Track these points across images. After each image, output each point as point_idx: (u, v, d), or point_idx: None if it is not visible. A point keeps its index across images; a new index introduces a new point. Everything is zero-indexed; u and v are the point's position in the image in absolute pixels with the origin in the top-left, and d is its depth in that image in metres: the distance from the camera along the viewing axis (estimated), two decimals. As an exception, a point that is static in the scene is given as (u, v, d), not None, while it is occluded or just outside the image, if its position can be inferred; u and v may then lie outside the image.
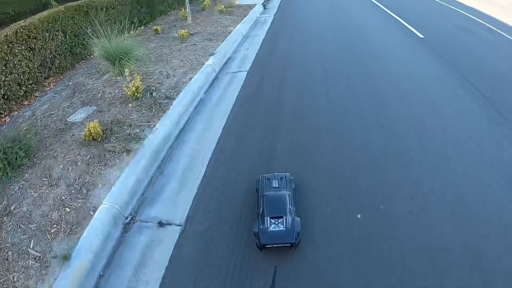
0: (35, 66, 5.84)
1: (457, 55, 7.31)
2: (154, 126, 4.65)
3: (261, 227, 2.72)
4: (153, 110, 5.14)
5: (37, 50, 5.84)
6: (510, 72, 6.38)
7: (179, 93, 5.45)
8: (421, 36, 8.71)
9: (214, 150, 4.21)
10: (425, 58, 7.21)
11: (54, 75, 6.42)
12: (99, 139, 4.26)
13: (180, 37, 8.02)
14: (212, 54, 6.85)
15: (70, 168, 3.84)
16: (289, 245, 2.67)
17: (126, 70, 5.55)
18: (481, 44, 8.36)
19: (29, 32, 5.62)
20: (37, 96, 5.85)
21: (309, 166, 3.77)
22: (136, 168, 3.78)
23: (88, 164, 3.89)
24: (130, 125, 4.73)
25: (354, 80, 5.93)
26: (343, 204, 3.23)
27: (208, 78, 6.00)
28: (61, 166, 3.88)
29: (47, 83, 6.22)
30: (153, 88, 5.72)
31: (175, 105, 5.10)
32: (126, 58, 6.11)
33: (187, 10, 9.54)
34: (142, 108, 5.18)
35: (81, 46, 7.05)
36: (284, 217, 2.72)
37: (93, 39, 5.98)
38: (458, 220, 3.02)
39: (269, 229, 2.69)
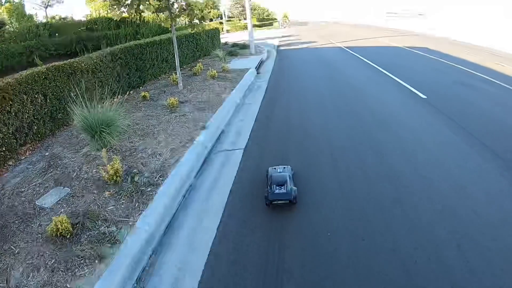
0: (10, 131, 5.24)
1: (465, 115, 6.88)
2: (134, 224, 3.80)
3: (269, 190, 3.89)
4: (134, 200, 4.31)
5: (13, 113, 5.27)
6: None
7: (165, 178, 4.67)
8: (423, 96, 8.31)
9: (207, 260, 3.32)
10: (433, 122, 6.67)
11: (31, 142, 5.77)
12: (68, 236, 3.45)
13: (169, 105, 7.48)
14: (204, 127, 6.22)
15: (31, 275, 3.02)
16: (288, 201, 3.86)
17: (103, 151, 4.82)
18: (485, 99, 8.09)
19: (5, 93, 5.07)
20: (10, 165, 5.18)
21: (329, 281, 2.87)
22: (109, 283, 2.89)
23: (52, 271, 3.04)
24: (106, 220, 3.88)
25: (364, 157, 5.23)
26: None
27: (199, 158, 5.26)
28: (21, 270, 3.07)
29: (22, 150, 5.56)
30: (135, 171, 4.95)
31: (160, 195, 4.29)
32: (107, 132, 5.45)
33: (178, 75, 9.17)
34: (122, 197, 4.36)
35: (62, 111, 6.46)
36: (285, 185, 3.88)
37: (74, 105, 5.41)
38: None
39: (275, 191, 3.85)
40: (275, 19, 75.02)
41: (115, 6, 7.75)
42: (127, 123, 6.31)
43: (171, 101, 7.51)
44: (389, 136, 6.03)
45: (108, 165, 4.49)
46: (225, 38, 32.98)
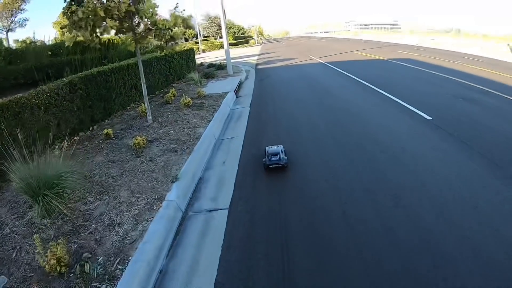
0: None
1: (479, 137, 6.03)
2: None
3: (267, 159, 5.13)
4: (81, 308, 2.98)
5: None
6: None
7: (125, 265, 3.34)
8: (428, 117, 7.34)
9: None
10: (446, 148, 5.68)
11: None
12: None
13: (135, 146, 6.17)
14: (176, 178, 4.90)
15: None
16: (281, 166, 5.08)
17: (35, 237, 3.43)
18: (492, 115, 7.38)
19: None
20: None
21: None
22: None
23: None
24: None
25: (376, 197, 4.12)
26: None
27: (170, 228, 3.92)
28: None
29: None
30: (86, 254, 3.59)
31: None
32: (52, 194, 4.12)
33: (146, 106, 7.86)
34: (66, 299, 3.03)
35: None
36: (278, 155, 5.12)
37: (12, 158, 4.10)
38: None
39: (271, 159, 5.08)
40: (251, 36, 75.25)
41: (65, 29, 6.45)
42: (82, 175, 5.04)
43: (137, 141, 6.20)
44: (399, 168, 4.98)
45: (48, 252, 3.19)
46: (201, 58, 32.00)
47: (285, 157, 5.13)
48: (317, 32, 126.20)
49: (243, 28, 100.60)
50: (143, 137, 6.42)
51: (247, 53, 32.09)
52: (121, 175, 5.29)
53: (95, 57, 16.27)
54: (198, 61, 23.75)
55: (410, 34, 58.45)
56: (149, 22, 6.84)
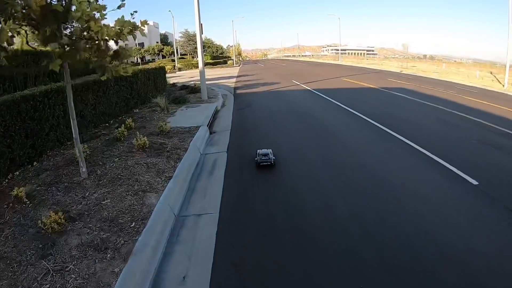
0: None
1: None
2: None
3: (258, 158, 6.06)
4: None
5: None
6: None
7: None
8: (472, 181, 5.31)
9: None
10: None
11: None
12: None
13: (46, 231, 3.69)
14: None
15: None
16: (269, 164, 5.99)
17: None
18: None
19: None
20: None
21: None
22: None
23: None
24: None
25: None
26: None
27: None
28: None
29: None
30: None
31: None
32: None
33: (78, 152, 5.34)
34: None
35: None
36: (268, 155, 6.06)
37: None
38: None
39: (262, 158, 6.02)
40: (229, 57, 73.97)
41: None
42: None
43: (50, 220, 3.72)
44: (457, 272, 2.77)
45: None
46: (176, 77, 29.69)
47: (273, 157, 6.12)
48: (295, 56, 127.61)
49: (221, 48, 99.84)
50: (61, 214, 3.92)
51: (225, 74, 30.10)
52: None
53: (42, 72, 13.44)
54: (172, 81, 21.43)
55: (386, 60, 59.25)
56: (78, 26, 4.44)
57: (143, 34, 4.48)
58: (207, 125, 8.91)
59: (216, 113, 11.44)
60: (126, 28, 4.40)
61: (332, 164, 6.22)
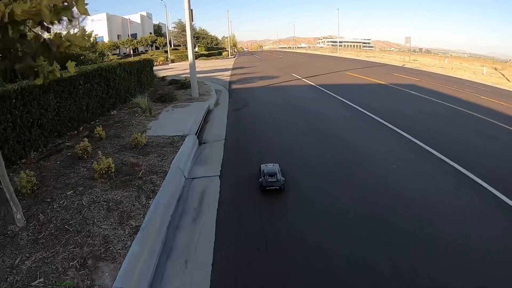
0: None
1: None
2: None
3: (263, 179, 4.76)
4: None
5: None
6: None
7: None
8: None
9: None
10: None
11: None
12: None
13: None
14: None
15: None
16: (278, 188, 4.72)
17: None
18: None
19: None
20: None
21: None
22: None
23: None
24: None
25: None
26: None
27: None
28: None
29: None
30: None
31: None
32: None
33: (6, 191, 3.63)
34: None
35: None
36: (275, 175, 4.79)
37: None
38: None
39: (268, 180, 4.72)
40: (224, 48, 71.68)
41: None
42: None
43: None
44: None
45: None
46: (168, 70, 27.77)
47: (283, 178, 4.88)
48: (290, 47, 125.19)
49: (216, 39, 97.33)
50: None
51: (220, 66, 28.23)
52: None
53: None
54: (163, 73, 19.58)
55: (384, 53, 57.56)
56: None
57: (84, 12, 2.75)
58: (196, 133, 7.21)
59: (208, 114, 9.74)
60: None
61: (352, 185, 4.62)
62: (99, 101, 9.06)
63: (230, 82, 17.18)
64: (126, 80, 10.81)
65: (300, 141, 6.94)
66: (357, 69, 24.04)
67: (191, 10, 10.61)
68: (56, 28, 3.15)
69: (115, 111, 9.79)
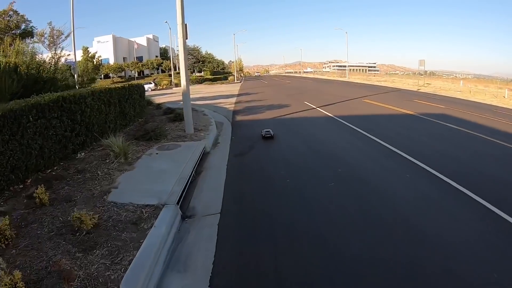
0: None
1: None
2: None
3: (263, 132, 9.57)
4: None
5: None
6: None
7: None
8: None
9: None
10: None
11: None
12: None
13: None
14: None
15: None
16: (270, 136, 9.43)
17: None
18: None
19: None
20: None
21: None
22: None
23: None
24: None
25: None
26: None
27: None
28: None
29: None
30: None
31: None
32: None
33: None
34: None
35: None
36: (269, 130, 9.62)
37: None
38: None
39: (265, 131, 9.57)
40: (231, 72, 70.66)
41: None
42: None
43: None
44: None
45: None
46: (169, 95, 25.98)
47: (273, 132, 9.57)
48: (296, 72, 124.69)
49: (223, 63, 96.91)
50: None
51: (224, 92, 26.30)
52: None
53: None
54: (164, 99, 17.59)
55: (394, 77, 55.71)
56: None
57: None
58: (178, 201, 4.80)
59: (202, 159, 7.40)
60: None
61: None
62: (61, 141, 6.81)
63: (234, 112, 14.96)
64: (102, 111, 8.58)
65: (339, 223, 4.42)
66: (374, 95, 21.87)
67: (185, 24, 8.51)
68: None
69: (83, 153, 7.50)
